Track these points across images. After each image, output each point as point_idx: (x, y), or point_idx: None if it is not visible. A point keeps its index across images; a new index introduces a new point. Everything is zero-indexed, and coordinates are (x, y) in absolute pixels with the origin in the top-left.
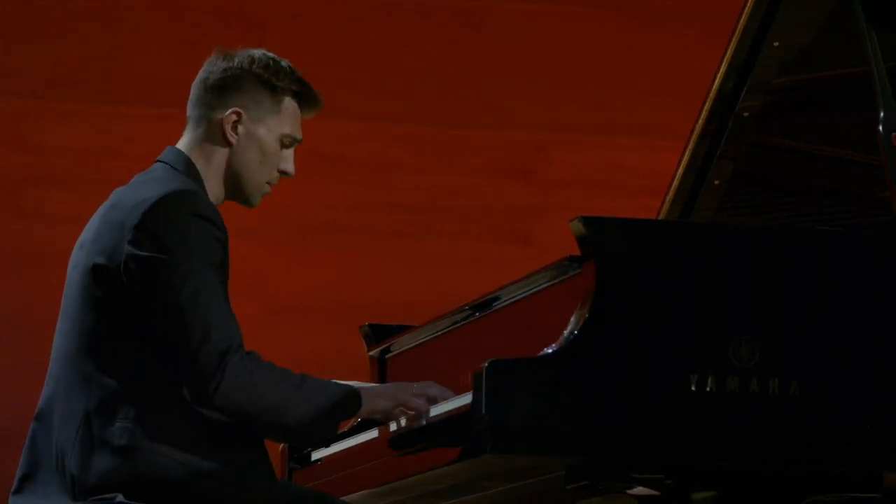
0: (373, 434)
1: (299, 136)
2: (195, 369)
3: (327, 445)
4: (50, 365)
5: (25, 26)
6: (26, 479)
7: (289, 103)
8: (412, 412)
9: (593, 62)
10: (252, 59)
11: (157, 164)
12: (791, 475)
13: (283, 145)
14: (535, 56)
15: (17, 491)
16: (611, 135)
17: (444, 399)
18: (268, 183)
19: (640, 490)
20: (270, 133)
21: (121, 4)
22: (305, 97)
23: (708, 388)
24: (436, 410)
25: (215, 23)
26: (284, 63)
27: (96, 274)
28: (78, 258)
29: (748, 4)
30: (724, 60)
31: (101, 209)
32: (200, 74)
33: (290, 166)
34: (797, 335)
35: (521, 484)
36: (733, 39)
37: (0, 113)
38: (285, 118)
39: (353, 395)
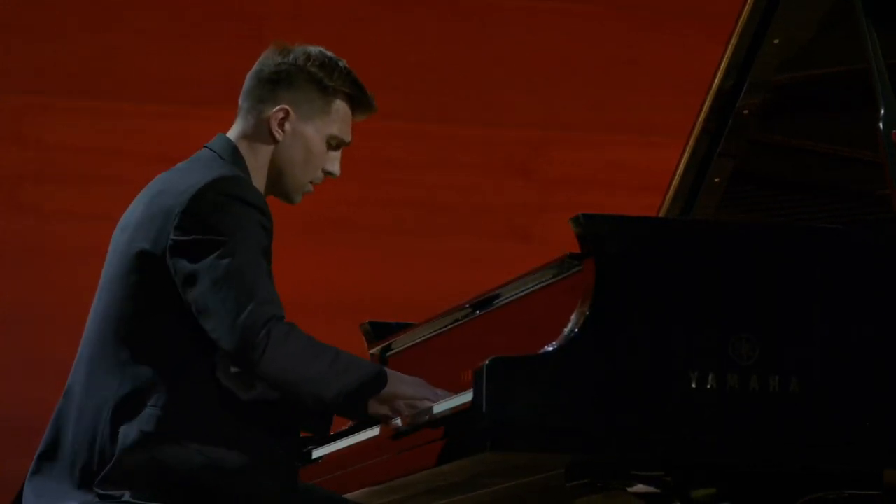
0: (374, 432)
1: (348, 138)
2: (241, 334)
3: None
4: (81, 345)
5: (25, 24)
6: (44, 458)
7: (340, 105)
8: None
9: (593, 60)
10: (308, 56)
11: (204, 151)
12: (791, 473)
13: (330, 146)
14: (535, 54)
15: (35, 471)
16: (611, 133)
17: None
18: (311, 182)
19: (640, 488)
20: (318, 133)
21: (121, 2)
22: (358, 100)
23: (708, 386)
24: (436, 408)
25: (215, 21)
26: (342, 63)
27: (139, 259)
28: (119, 241)
29: (748, 2)
30: (724, 58)
31: (144, 194)
32: (255, 66)
33: (335, 167)
34: (797, 333)
35: (521, 481)
36: (733, 37)
37: (0, 110)
38: (335, 119)
39: (381, 375)
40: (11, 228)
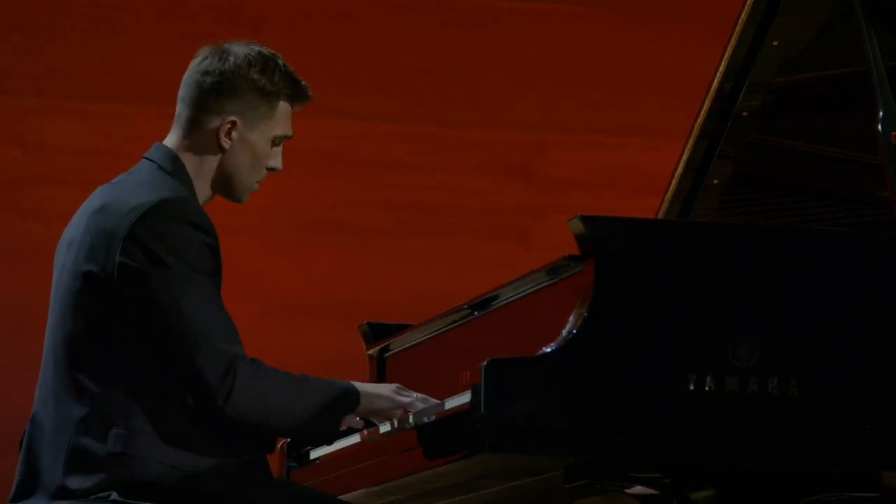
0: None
1: (290, 133)
2: (203, 382)
3: (329, 443)
4: (41, 368)
5: (25, 25)
6: (24, 487)
7: (282, 105)
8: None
9: (593, 61)
10: (249, 62)
11: (144, 163)
12: (790, 474)
13: (274, 144)
14: (534, 55)
15: (14, 499)
16: (610, 134)
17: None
18: (257, 181)
19: (638, 489)
20: (262, 136)
21: (121, 4)
22: (297, 96)
23: (707, 388)
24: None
25: (215, 22)
26: (280, 62)
27: (86, 281)
28: (66, 259)
29: (748, 4)
30: (724, 60)
31: (85, 208)
32: (193, 73)
33: (278, 162)
34: (796, 335)
35: (519, 483)
36: (732, 39)
37: (1, 112)
38: (278, 121)
39: (352, 393)
40: (12, 231)
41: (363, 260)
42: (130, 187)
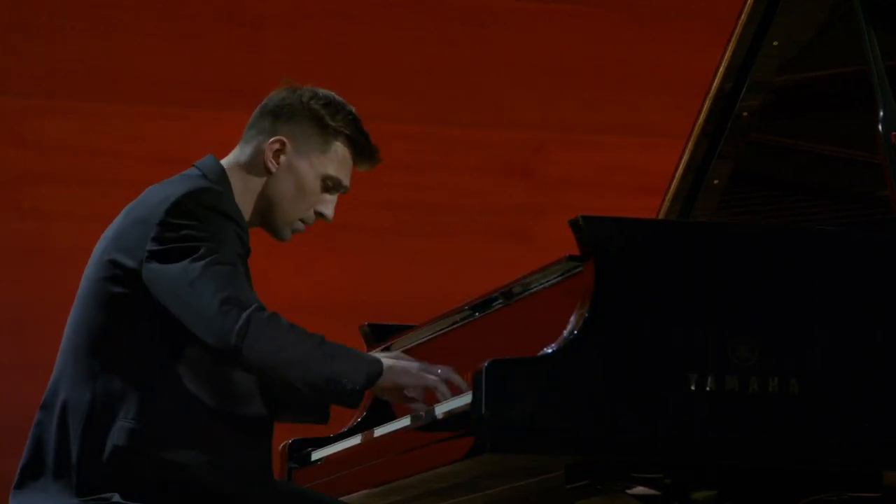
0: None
1: (346, 182)
2: (220, 322)
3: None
4: (58, 356)
5: (25, 24)
6: (27, 472)
7: (339, 147)
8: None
9: (593, 61)
10: (313, 95)
11: (191, 169)
12: (791, 474)
13: (326, 188)
14: (534, 55)
15: (19, 486)
16: (610, 134)
17: (464, 389)
18: (302, 220)
19: (639, 489)
20: (312, 170)
21: (121, 4)
22: (360, 146)
23: (707, 388)
24: (437, 410)
25: (215, 21)
26: (349, 108)
27: (113, 270)
28: (95, 251)
29: (748, 4)
30: (724, 60)
31: (127, 207)
32: (263, 101)
33: (328, 210)
34: (797, 334)
35: (520, 483)
36: (733, 39)
37: (0, 111)
38: (331, 160)
39: (374, 363)
40: (11, 229)
41: (363, 260)
42: (169, 184)
